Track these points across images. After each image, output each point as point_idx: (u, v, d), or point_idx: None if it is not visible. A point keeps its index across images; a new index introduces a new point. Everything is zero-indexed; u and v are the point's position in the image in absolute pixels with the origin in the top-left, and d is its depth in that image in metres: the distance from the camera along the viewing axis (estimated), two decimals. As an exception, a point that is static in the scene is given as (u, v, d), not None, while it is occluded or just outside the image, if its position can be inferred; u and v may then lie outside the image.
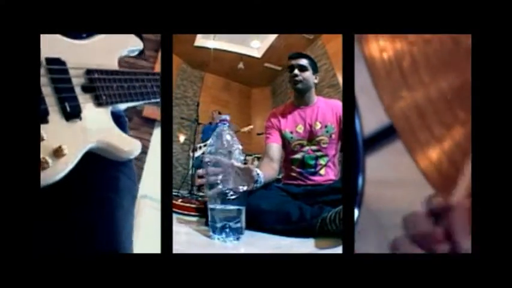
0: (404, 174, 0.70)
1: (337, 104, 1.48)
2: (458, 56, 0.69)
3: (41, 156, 0.58)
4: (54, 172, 0.59)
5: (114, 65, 0.73)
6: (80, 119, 0.65)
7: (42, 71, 0.63)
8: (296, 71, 1.43)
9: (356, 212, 0.67)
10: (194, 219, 1.50)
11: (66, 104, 0.63)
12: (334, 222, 1.07)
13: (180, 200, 1.94)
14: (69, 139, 0.62)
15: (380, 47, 0.72)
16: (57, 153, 0.60)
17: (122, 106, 0.73)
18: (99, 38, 0.73)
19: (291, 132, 1.46)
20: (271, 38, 4.98)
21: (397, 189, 0.73)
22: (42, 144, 0.59)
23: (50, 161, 0.58)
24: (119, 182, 0.71)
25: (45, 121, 0.61)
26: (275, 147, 1.45)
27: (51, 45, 0.59)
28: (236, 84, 6.31)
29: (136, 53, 0.79)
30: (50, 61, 0.64)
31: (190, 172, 4.20)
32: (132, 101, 0.73)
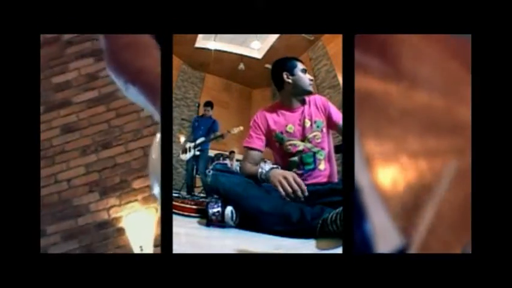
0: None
1: (317, 98, 1.50)
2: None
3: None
4: None
5: None
6: None
7: None
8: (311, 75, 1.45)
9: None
10: (195, 220, 1.50)
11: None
12: (335, 223, 1.07)
13: (180, 201, 1.94)
14: None
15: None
16: None
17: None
18: None
19: (281, 133, 1.46)
20: (272, 38, 4.99)
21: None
22: None
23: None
24: None
25: None
26: (257, 155, 1.45)
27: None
28: (237, 85, 6.32)
29: None
30: None
31: (185, 172, 4.04)
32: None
